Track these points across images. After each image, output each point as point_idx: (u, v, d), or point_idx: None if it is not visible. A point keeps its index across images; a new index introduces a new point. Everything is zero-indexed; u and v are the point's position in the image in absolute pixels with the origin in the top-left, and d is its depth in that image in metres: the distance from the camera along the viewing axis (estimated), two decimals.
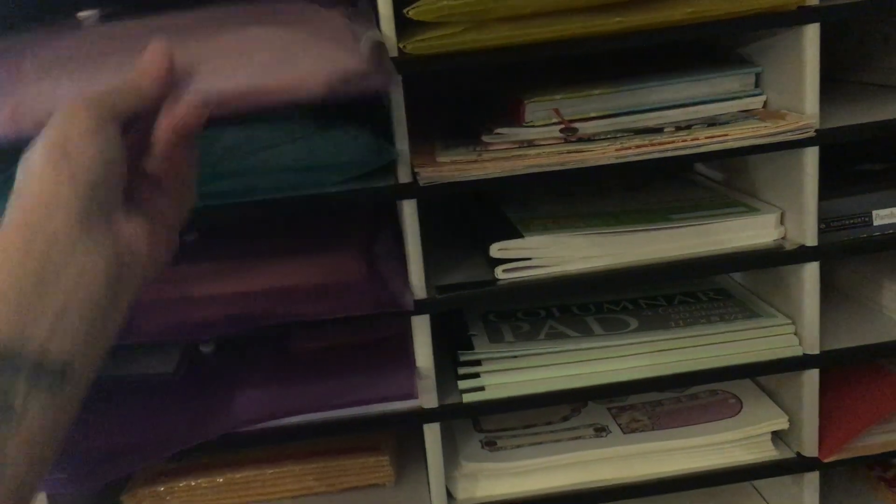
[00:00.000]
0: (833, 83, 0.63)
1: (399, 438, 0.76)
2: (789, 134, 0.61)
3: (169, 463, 0.69)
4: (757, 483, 0.77)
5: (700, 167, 0.84)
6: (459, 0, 0.55)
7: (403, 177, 0.61)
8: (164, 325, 0.63)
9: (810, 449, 0.69)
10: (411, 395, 0.64)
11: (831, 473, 0.70)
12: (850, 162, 0.75)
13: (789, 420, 0.70)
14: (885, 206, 0.66)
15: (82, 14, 0.70)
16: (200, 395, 0.68)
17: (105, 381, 0.71)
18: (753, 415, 0.71)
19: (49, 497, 0.63)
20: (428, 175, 0.60)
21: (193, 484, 0.68)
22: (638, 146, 0.60)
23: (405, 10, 0.58)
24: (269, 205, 0.60)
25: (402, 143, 0.60)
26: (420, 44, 0.57)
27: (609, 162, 0.60)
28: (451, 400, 0.66)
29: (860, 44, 0.79)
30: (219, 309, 0.65)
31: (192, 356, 0.74)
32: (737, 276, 0.79)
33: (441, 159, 0.61)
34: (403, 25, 0.58)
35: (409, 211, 0.61)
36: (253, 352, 0.74)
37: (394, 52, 0.58)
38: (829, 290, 0.66)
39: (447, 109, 0.80)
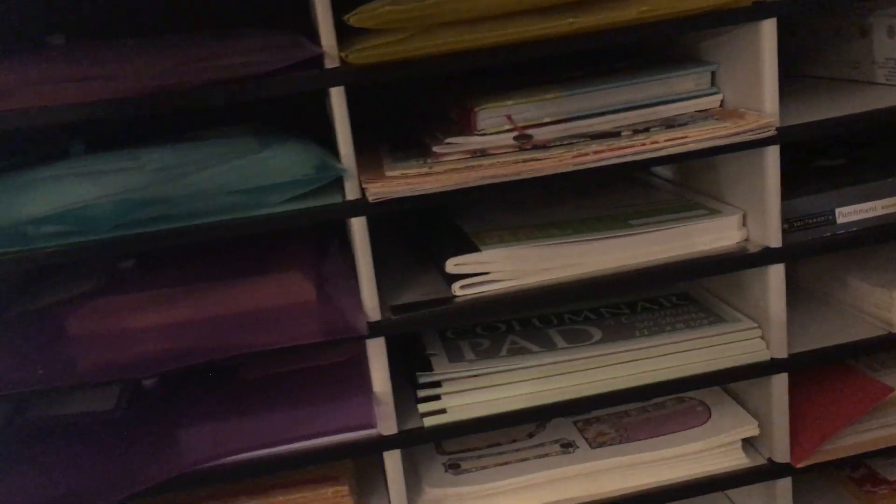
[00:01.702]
0: (786, 78, 0.62)
1: (358, 465, 0.72)
2: (750, 134, 0.59)
3: None
4: (729, 490, 0.76)
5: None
6: (401, 5, 0.52)
7: (351, 193, 0.58)
8: (100, 364, 0.59)
9: (782, 455, 0.67)
10: (369, 423, 0.60)
11: (801, 476, 0.68)
12: (808, 157, 0.74)
13: (759, 426, 0.68)
14: (847, 204, 0.64)
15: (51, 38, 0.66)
16: (144, 433, 0.64)
17: (39, 422, 0.67)
18: (722, 422, 0.69)
19: None
20: (377, 191, 0.56)
21: None
22: (596, 152, 0.58)
23: (345, 17, 0.54)
24: (207, 229, 0.56)
25: (348, 158, 0.57)
26: (362, 53, 0.54)
27: (567, 169, 0.58)
28: (411, 424, 0.63)
29: (811, 37, 0.78)
30: (158, 342, 0.62)
31: (134, 391, 0.69)
32: (701, 279, 0.77)
33: (390, 173, 0.58)
34: (344, 33, 0.55)
35: (358, 229, 0.58)
36: (199, 383, 0.69)
37: (335, 62, 0.55)
38: (793, 288, 0.65)
39: (393, 119, 0.77)
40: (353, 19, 0.53)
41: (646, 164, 0.59)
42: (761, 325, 0.66)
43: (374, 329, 0.59)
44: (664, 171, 0.81)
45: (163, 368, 0.60)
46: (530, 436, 0.71)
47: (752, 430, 0.68)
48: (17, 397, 0.67)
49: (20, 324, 0.66)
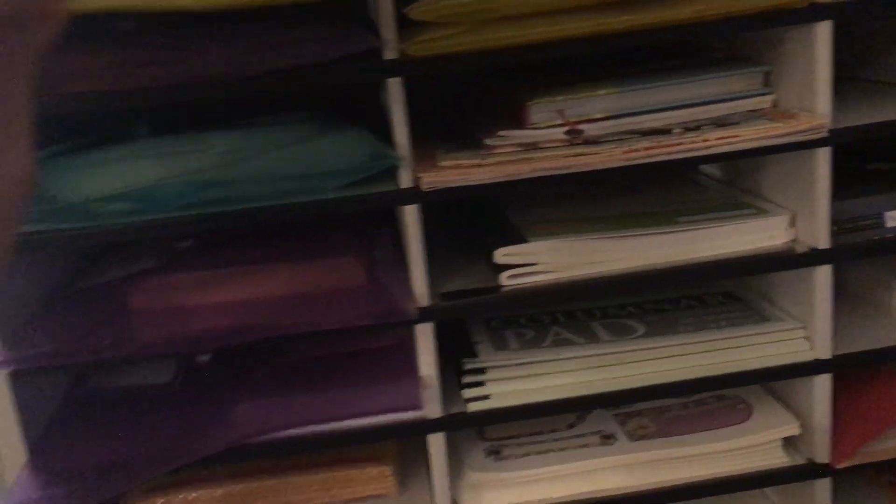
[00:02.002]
0: (840, 81, 0.62)
1: (401, 447, 0.74)
2: (801, 135, 0.59)
3: (166, 475, 0.67)
4: (767, 488, 0.76)
5: (703, 165, 0.83)
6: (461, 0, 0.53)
7: (405, 182, 0.59)
8: (160, 338, 0.61)
9: (822, 455, 0.68)
10: (416, 405, 0.62)
11: (840, 477, 0.69)
12: (860, 160, 0.74)
13: (800, 426, 0.68)
14: None
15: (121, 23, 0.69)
16: (199, 407, 0.66)
17: (101, 392, 0.70)
18: (763, 421, 0.70)
19: None
20: (431, 180, 0.58)
21: (191, 497, 0.66)
22: (646, 148, 0.59)
23: (405, 10, 0.56)
24: (267, 212, 0.58)
25: (403, 148, 0.59)
26: (421, 45, 0.55)
27: (616, 165, 0.59)
28: (455, 409, 0.64)
29: (867, 40, 0.78)
30: (215, 320, 0.64)
31: (189, 366, 0.72)
32: (747, 278, 0.77)
33: (443, 163, 0.59)
34: (404, 26, 0.57)
35: (411, 217, 0.60)
36: (251, 361, 0.72)
37: (395, 54, 0.56)
38: (839, 290, 0.65)
39: (448, 111, 0.79)
40: (413, 12, 0.55)
41: (696, 162, 0.60)
42: (806, 326, 0.66)
43: (424, 314, 0.61)
44: (713, 169, 0.81)
45: (218, 344, 0.62)
46: (570, 426, 0.73)
47: (793, 429, 0.69)
48: (79, 367, 0.70)
49: (86, 297, 0.69)
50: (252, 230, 0.69)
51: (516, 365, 0.65)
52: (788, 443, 0.70)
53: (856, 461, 0.68)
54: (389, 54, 0.57)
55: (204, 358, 0.72)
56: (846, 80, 0.77)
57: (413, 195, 0.59)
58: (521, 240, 0.64)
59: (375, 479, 0.69)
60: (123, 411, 0.67)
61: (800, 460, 0.69)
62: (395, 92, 0.57)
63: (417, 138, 0.60)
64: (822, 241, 0.63)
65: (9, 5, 0.31)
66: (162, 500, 0.67)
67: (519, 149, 0.61)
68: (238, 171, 0.58)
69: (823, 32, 0.59)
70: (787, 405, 0.71)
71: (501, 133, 0.62)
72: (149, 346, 0.61)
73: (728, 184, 0.77)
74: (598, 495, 0.67)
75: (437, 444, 0.64)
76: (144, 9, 0.52)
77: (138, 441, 0.62)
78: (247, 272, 0.68)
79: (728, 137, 0.59)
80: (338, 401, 0.64)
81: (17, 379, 0.59)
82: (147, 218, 0.58)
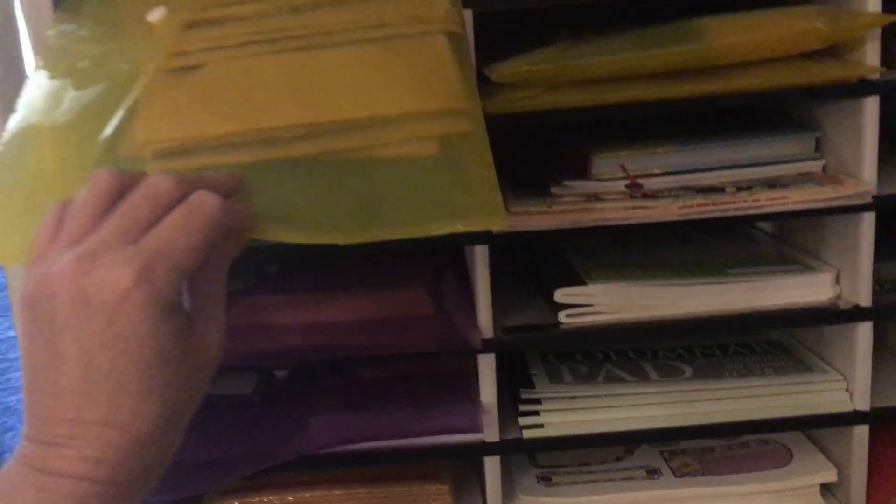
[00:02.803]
0: (887, 149, 0.66)
1: (458, 468, 0.79)
2: (847, 199, 0.64)
3: (243, 479, 0.74)
4: None
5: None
6: (539, 66, 0.60)
7: None
8: (245, 352, 0.68)
9: (858, 502, 0.71)
10: (476, 428, 0.67)
11: None
12: None
13: (838, 473, 0.72)
14: None
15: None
16: (276, 417, 0.72)
17: None
18: (803, 466, 0.73)
19: None
20: None
21: (266, 500, 0.72)
22: (700, 205, 0.64)
23: (486, 71, 0.62)
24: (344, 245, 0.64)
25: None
26: (500, 104, 0.61)
27: (672, 219, 0.64)
28: (511, 435, 0.69)
29: None
30: (295, 338, 0.70)
31: (268, 380, 0.79)
32: (792, 329, 0.81)
33: (514, 209, 0.65)
34: (483, 85, 0.63)
35: (481, 256, 0.65)
36: (325, 378, 0.78)
37: None
38: (879, 346, 0.69)
39: (519, 160, 0.85)
40: (494, 75, 0.61)
41: (746, 220, 0.65)
42: (847, 378, 0.70)
43: (487, 345, 0.67)
44: (766, 225, 0.85)
45: (296, 361, 0.69)
46: (618, 459, 0.77)
47: (831, 476, 0.72)
48: None
49: None
50: (330, 259, 0.76)
51: (570, 398, 0.70)
52: (826, 489, 0.73)
53: None
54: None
55: (282, 373, 0.79)
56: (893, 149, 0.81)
57: (484, 236, 0.65)
58: (580, 282, 0.69)
59: (433, 496, 0.74)
60: (211, 417, 0.73)
61: None
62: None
63: None
64: (865, 298, 0.67)
65: (227, 226, 0.43)
66: (238, 502, 0.73)
67: (582, 198, 0.66)
68: None
69: (871, 106, 0.63)
70: (826, 453, 0.74)
71: (566, 183, 0.68)
72: (235, 359, 0.68)
73: (779, 239, 0.81)
74: None
75: (492, 466, 0.70)
76: None
77: (224, 444, 0.69)
78: (325, 297, 0.75)
79: (777, 199, 0.64)
80: (403, 419, 0.70)
81: None
82: None
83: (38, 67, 0.59)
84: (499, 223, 0.51)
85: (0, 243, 0.51)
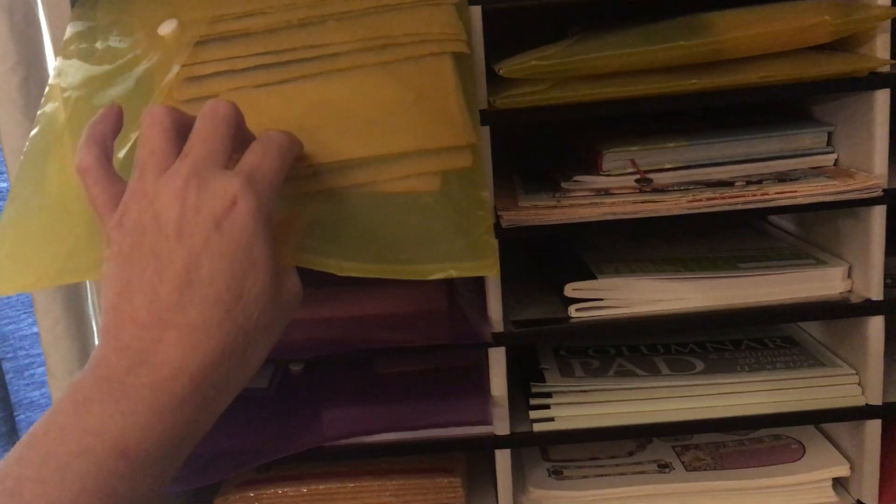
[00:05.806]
0: None
1: (470, 462, 0.80)
2: (857, 193, 0.64)
3: (258, 472, 0.75)
4: None
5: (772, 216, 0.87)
6: (547, 61, 0.60)
7: None
8: None
9: (870, 497, 0.71)
10: (486, 421, 0.68)
11: None
12: None
13: (850, 467, 0.72)
14: None
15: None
16: (292, 410, 0.74)
17: None
18: (815, 460, 0.73)
19: None
20: (511, 218, 0.64)
21: (280, 492, 0.73)
22: (709, 198, 0.64)
23: (495, 67, 0.63)
24: None
25: (487, 188, 0.65)
26: (509, 99, 0.62)
27: (681, 213, 0.64)
28: (522, 428, 0.70)
29: None
30: (310, 332, 0.71)
31: (284, 374, 0.80)
32: (804, 324, 0.81)
33: (523, 203, 0.66)
34: (492, 81, 0.63)
35: None
36: (339, 373, 0.79)
37: (483, 105, 0.63)
38: (891, 340, 0.68)
39: (528, 155, 0.85)
40: (502, 70, 0.62)
41: (755, 214, 0.65)
42: (859, 372, 0.70)
43: (498, 339, 0.67)
44: (779, 219, 0.85)
45: (312, 354, 0.70)
46: (630, 454, 0.77)
47: (843, 470, 0.72)
48: None
49: None
50: None
51: (581, 391, 0.71)
52: (838, 483, 0.73)
53: None
54: (480, 105, 0.63)
55: (297, 367, 0.80)
56: None
57: (495, 232, 0.65)
58: (590, 276, 0.70)
59: (445, 489, 0.75)
60: (227, 409, 0.74)
61: (849, 500, 0.72)
62: (484, 139, 0.64)
63: (499, 178, 0.66)
64: (876, 293, 0.67)
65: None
66: (253, 493, 0.74)
67: (592, 193, 0.67)
68: None
69: (882, 99, 0.63)
70: (838, 447, 0.74)
71: (576, 178, 0.68)
72: None
73: (793, 234, 0.81)
74: None
75: (503, 459, 0.70)
76: None
77: (240, 436, 0.70)
78: (340, 292, 0.76)
79: (787, 192, 0.64)
80: (415, 412, 0.71)
81: None
82: None
83: (54, 77, 0.60)
84: (489, 270, 0.52)
85: (19, 270, 0.51)
